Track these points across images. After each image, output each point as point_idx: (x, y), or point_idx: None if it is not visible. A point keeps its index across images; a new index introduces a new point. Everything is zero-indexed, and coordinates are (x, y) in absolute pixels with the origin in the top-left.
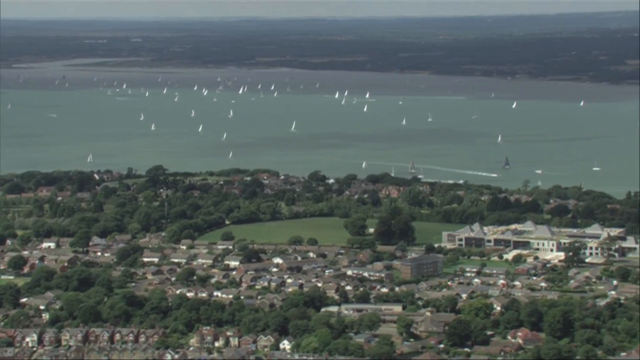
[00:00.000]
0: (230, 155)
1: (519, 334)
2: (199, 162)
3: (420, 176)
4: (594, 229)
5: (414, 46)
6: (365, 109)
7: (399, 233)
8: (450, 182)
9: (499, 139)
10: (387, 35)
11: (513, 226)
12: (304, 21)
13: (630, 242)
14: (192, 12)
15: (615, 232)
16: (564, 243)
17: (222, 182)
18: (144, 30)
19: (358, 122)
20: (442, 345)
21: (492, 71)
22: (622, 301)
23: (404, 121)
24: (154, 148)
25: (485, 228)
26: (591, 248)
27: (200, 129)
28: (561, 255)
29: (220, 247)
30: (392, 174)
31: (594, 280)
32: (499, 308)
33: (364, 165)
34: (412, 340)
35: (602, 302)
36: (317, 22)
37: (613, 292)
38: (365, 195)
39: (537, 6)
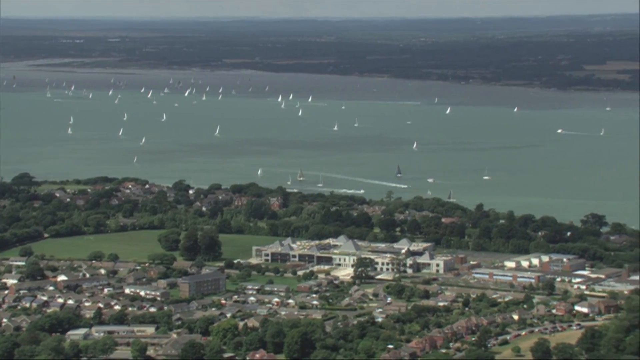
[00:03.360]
0: (135, 161)
1: (257, 355)
2: (88, 169)
3: (319, 184)
4: (402, 243)
5: (386, 49)
6: (300, 114)
7: (204, 248)
8: (321, 191)
9: (415, 146)
10: (367, 37)
11: (327, 240)
12: (298, 22)
13: (425, 258)
14: (190, 11)
15: (421, 246)
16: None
17: (74, 192)
18: (128, 30)
19: (289, 128)
20: None
21: (448, 75)
22: (379, 319)
23: (336, 127)
24: (58, 154)
25: (297, 243)
26: (385, 264)
27: (120, 133)
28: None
29: (12, 262)
30: (289, 182)
31: (370, 297)
32: None
33: (259, 172)
34: None
35: (354, 321)
36: (309, 23)
37: (380, 310)
38: (209, 207)
39: (530, 8)
